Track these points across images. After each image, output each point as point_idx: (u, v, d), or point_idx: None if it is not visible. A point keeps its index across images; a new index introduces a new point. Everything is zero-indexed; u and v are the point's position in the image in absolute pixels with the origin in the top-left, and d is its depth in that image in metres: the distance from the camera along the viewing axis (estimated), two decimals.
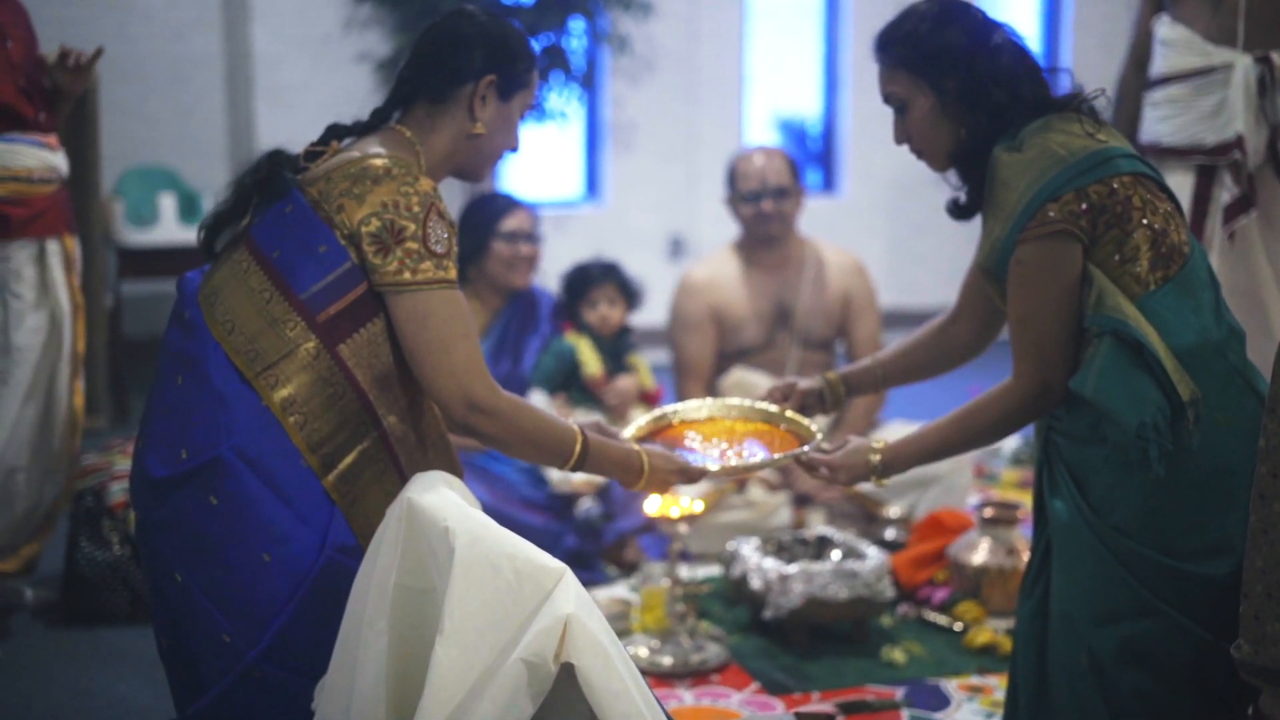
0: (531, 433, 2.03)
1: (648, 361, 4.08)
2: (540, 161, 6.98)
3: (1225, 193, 3.20)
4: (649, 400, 3.84)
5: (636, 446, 2.18)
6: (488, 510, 3.33)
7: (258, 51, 6.19)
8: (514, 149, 2.20)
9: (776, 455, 2.26)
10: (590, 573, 3.48)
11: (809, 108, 7.70)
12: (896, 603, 3.25)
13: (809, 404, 2.48)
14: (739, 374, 3.87)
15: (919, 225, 7.43)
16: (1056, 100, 2.12)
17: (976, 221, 2.20)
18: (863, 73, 7.29)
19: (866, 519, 3.72)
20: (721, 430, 2.37)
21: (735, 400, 2.46)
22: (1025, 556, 3.15)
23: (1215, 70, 3.19)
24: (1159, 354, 1.93)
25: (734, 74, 7.21)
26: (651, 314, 4.95)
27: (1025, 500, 4.14)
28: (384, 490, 1.99)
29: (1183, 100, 3.25)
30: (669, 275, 5.84)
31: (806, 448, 2.24)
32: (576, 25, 5.93)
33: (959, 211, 2.22)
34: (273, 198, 2.05)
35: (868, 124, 7.29)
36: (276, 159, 2.07)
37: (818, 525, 3.63)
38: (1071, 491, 2.03)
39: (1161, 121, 3.30)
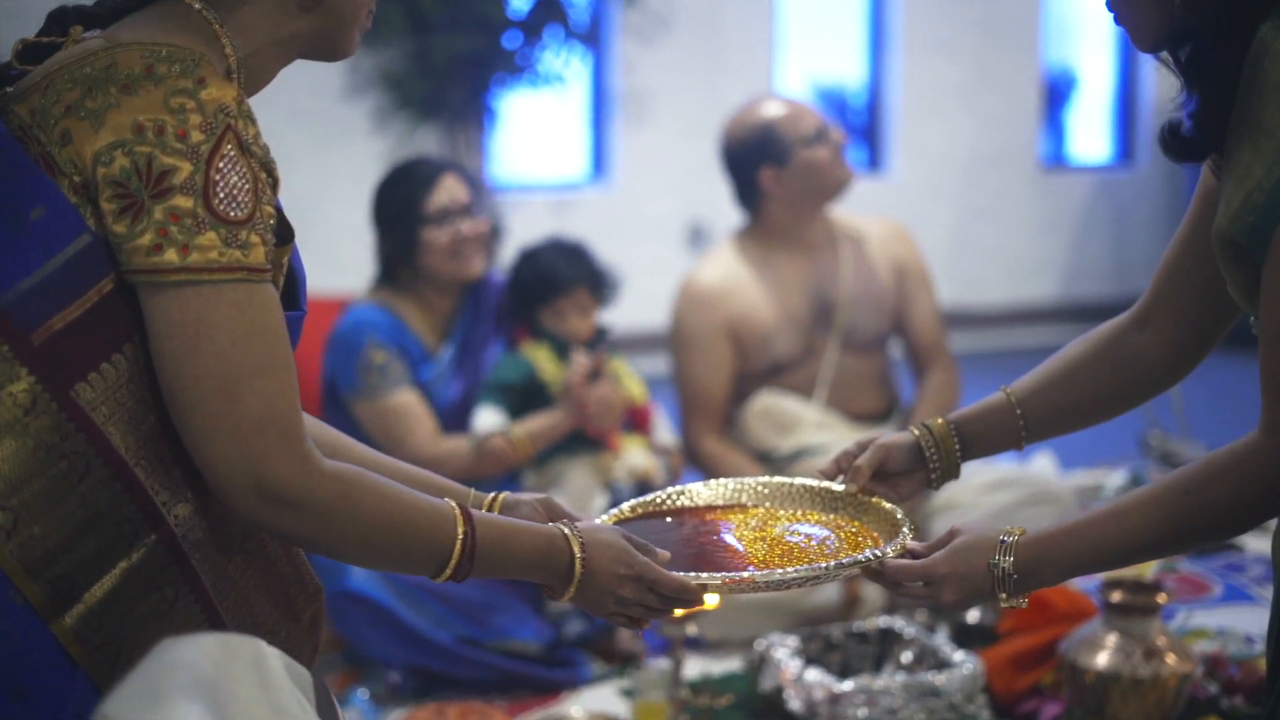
0: (371, 527, 1.39)
1: (644, 371, 3.73)
2: (537, 136, 6.94)
3: None
4: (638, 421, 3.36)
5: (566, 530, 1.50)
6: (421, 589, 2.90)
7: None
8: None
9: (831, 564, 1.61)
10: (568, 670, 3.03)
11: (851, 74, 7.74)
12: None
13: (896, 470, 1.78)
14: (767, 400, 3.47)
15: (980, 210, 7.47)
16: None
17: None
18: (915, 31, 7.27)
19: None
20: (753, 522, 1.78)
21: (776, 479, 1.84)
22: (1170, 660, 2.64)
23: None
24: None
25: (764, 33, 7.12)
26: (663, 314, 4.59)
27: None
28: (173, 635, 1.38)
29: None
30: (687, 268, 5.51)
31: (886, 548, 1.62)
32: None
33: (1180, 145, 1.56)
34: None
35: (920, 92, 7.30)
36: None
37: (876, 611, 3.17)
38: None
39: None
